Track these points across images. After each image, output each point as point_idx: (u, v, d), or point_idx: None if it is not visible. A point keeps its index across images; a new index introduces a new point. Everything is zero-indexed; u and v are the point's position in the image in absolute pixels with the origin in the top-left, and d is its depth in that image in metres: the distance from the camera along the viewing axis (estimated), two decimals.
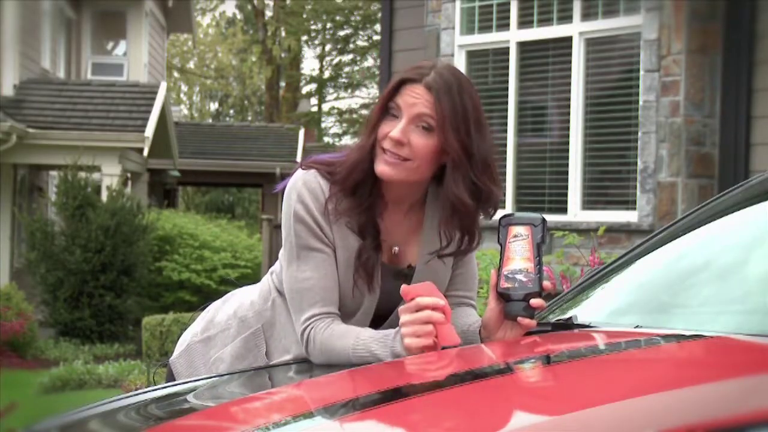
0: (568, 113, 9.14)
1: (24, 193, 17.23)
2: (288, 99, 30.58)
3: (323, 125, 25.29)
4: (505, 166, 9.59)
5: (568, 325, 2.66)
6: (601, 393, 2.00)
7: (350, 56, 24.24)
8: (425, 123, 2.58)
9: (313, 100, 27.06)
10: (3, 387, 9.03)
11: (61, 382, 10.20)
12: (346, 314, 2.66)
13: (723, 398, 1.91)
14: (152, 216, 15.00)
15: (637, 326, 2.55)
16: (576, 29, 9.11)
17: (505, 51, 9.60)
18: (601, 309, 2.86)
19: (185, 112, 37.87)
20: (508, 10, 9.57)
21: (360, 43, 23.68)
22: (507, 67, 9.59)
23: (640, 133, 8.57)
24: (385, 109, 2.61)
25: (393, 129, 2.58)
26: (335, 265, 2.63)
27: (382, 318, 2.70)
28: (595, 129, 9.08)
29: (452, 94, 2.59)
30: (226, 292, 3.02)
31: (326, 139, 23.94)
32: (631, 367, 2.27)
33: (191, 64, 40.87)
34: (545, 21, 9.36)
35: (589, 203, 9.07)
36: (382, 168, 2.60)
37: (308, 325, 2.62)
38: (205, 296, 14.72)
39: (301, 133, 24.92)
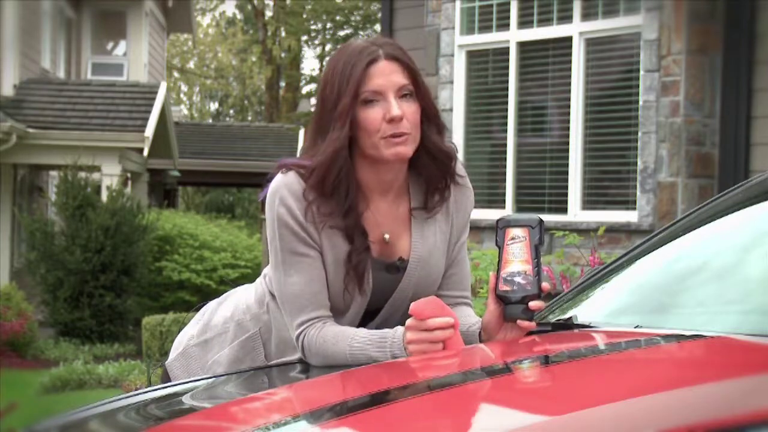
0: (568, 113, 9.14)
1: (24, 193, 17.23)
2: (288, 99, 30.60)
3: None
4: (505, 166, 9.59)
5: (568, 325, 2.66)
6: (601, 393, 2.00)
7: None
8: (407, 91, 2.59)
9: (313, 100, 27.07)
10: (3, 387, 9.03)
11: (61, 382, 10.19)
12: (337, 312, 2.64)
13: (723, 398, 1.91)
14: (152, 216, 14.99)
15: (637, 326, 2.55)
16: (576, 29, 9.10)
17: (505, 51, 9.60)
18: (601, 309, 2.86)
19: (185, 112, 37.86)
20: (508, 10, 9.57)
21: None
22: (507, 67, 9.58)
23: (640, 133, 8.57)
24: (356, 97, 2.57)
25: (384, 111, 2.56)
26: (323, 268, 2.61)
27: (374, 312, 2.68)
28: (595, 129, 9.08)
29: (407, 56, 2.63)
30: (225, 292, 3.01)
31: None
32: (631, 367, 2.27)
33: (191, 64, 40.88)
34: (545, 21, 9.36)
35: (589, 203, 9.07)
36: (397, 150, 2.57)
37: (301, 332, 2.61)
38: (205, 296, 14.71)
39: (301, 133, 24.92)
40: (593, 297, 2.92)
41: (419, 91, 2.61)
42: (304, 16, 23.25)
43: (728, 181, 7.83)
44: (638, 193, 8.58)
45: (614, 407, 1.86)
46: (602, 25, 8.99)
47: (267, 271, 2.78)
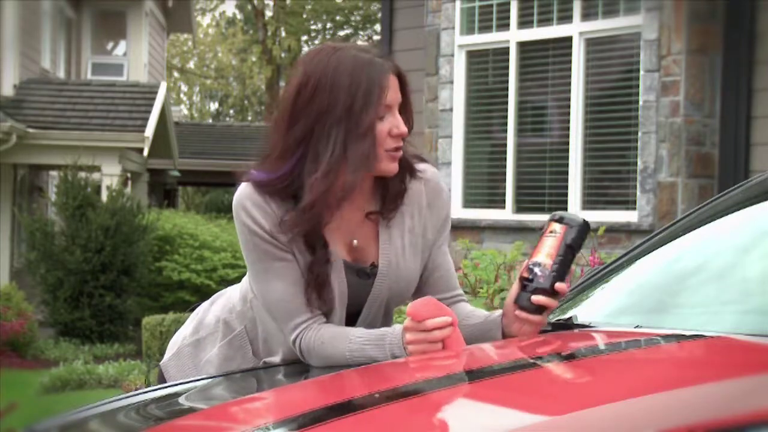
0: (568, 113, 9.14)
1: (24, 193, 17.23)
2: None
3: None
4: (505, 166, 9.59)
5: (568, 325, 2.66)
6: (601, 393, 2.00)
7: None
8: (398, 107, 2.60)
9: None
10: (3, 387, 9.03)
11: (61, 382, 10.20)
12: None
13: (723, 398, 1.91)
14: (152, 216, 14.99)
15: (637, 326, 2.55)
16: (576, 29, 9.10)
17: (505, 51, 9.60)
18: (601, 309, 2.86)
19: (185, 112, 37.86)
20: (508, 10, 9.57)
21: (360, 43, 23.69)
22: (507, 67, 9.59)
23: (640, 133, 8.57)
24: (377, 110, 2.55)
25: (390, 126, 2.55)
26: (299, 270, 2.60)
27: (354, 314, 2.68)
28: (595, 129, 9.08)
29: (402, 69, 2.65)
30: None
31: None
32: (631, 367, 2.27)
33: (191, 64, 40.87)
34: (545, 21, 9.36)
35: (589, 203, 9.07)
36: (395, 165, 2.58)
37: (296, 336, 2.60)
38: (204, 296, 14.66)
39: None
40: (593, 297, 2.92)
41: (407, 106, 2.62)
42: (304, 16, 23.27)
43: (728, 181, 7.83)
44: (638, 193, 8.58)
45: (614, 407, 1.86)
46: (602, 25, 8.99)
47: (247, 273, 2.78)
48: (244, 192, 2.60)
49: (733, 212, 3.03)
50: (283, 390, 2.49)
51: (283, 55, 28.59)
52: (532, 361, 2.41)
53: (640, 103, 8.55)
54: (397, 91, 2.58)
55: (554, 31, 9.30)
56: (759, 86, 8.23)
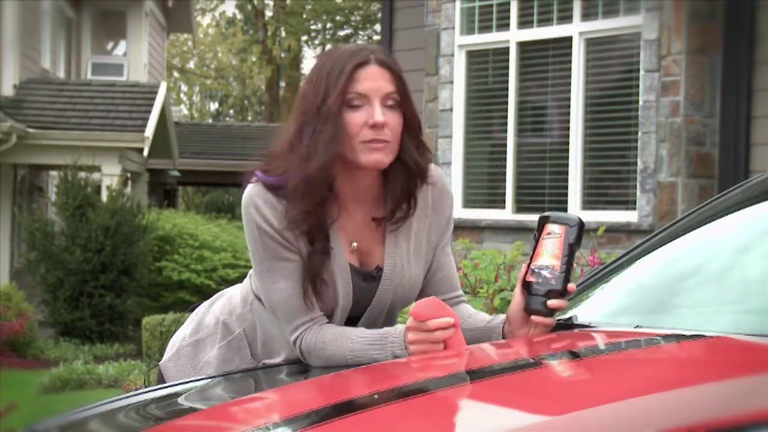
0: (568, 113, 9.13)
1: (24, 193, 17.23)
2: (288, 99, 30.58)
3: None
4: (505, 166, 9.59)
5: (568, 325, 2.66)
6: (601, 393, 2.00)
7: None
8: (392, 100, 2.57)
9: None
10: (3, 387, 9.03)
11: (61, 382, 10.20)
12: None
13: (723, 398, 1.91)
14: (152, 216, 14.99)
15: (637, 326, 2.55)
16: (576, 29, 9.10)
17: (505, 51, 9.60)
18: (601, 309, 2.86)
19: (185, 112, 37.86)
20: (508, 10, 9.57)
21: (360, 43, 23.70)
22: (507, 67, 9.58)
23: (640, 133, 8.57)
24: (343, 98, 2.54)
25: (367, 116, 2.53)
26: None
27: (355, 318, 2.68)
28: (595, 129, 9.07)
29: (398, 66, 2.61)
30: None
31: None
32: (631, 367, 2.27)
33: (191, 64, 40.88)
34: (545, 21, 9.36)
35: (589, 203, 9.07)
36: (376, 157, 2.54)
37: (297, 336, 2.60)
38: (205, 296, 14.66)
39: None
40: (593, 297, 2.92)
41: (405, 103, 2.59)
42: (304, 16, 23.27)
43: (728, 181, 7.83)
44: (638, 193, 8.58)
45: (614, 407, 1.86)
46: (602, 25, 8.99)
47: (252, 271, 2.77)
48: (254, 190, 2.61)
49: (733, 212, 3.03)
50: (284, 390, 2.49)
51: (283, 55, 28.58)
52: (532, 361, 2.41)
53: (640, 103, 8.55)
54: (381, 83, 2.55)
55: (554, 31, 9.29)
56: (759, 86, 8.23)
